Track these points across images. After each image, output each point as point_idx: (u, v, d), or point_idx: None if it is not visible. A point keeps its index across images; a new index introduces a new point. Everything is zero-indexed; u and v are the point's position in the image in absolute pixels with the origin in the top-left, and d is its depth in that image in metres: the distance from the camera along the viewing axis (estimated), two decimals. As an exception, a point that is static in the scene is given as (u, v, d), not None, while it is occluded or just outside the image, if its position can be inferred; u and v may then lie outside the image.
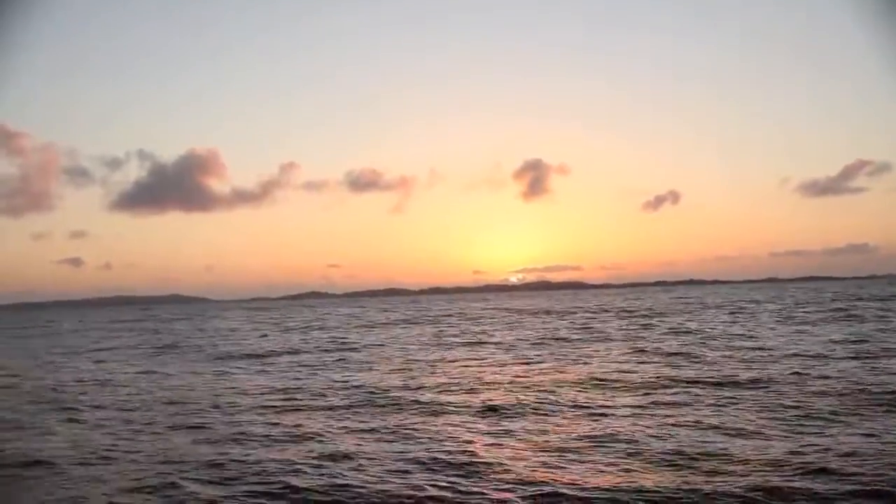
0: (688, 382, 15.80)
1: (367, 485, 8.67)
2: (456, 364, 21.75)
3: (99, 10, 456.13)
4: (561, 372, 18.68)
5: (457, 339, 31.95)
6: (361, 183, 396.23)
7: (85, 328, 62.64)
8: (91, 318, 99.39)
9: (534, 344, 27.93)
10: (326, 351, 28.50)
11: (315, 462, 9.93)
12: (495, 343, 29.20)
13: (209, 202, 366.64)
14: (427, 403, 14.46)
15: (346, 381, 18.42)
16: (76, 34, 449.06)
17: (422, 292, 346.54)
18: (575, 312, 55.50)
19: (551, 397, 14.59)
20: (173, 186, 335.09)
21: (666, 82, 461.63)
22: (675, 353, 21.78)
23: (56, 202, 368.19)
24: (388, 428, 12.16)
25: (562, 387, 16.01)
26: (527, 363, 21.21)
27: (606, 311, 56.80)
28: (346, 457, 10.12)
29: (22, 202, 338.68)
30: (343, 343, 32.15)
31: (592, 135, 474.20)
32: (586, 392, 15.18)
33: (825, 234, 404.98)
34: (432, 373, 19.69)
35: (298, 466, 9.69)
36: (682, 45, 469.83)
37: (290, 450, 10.77)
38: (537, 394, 15.11)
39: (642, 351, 23.00)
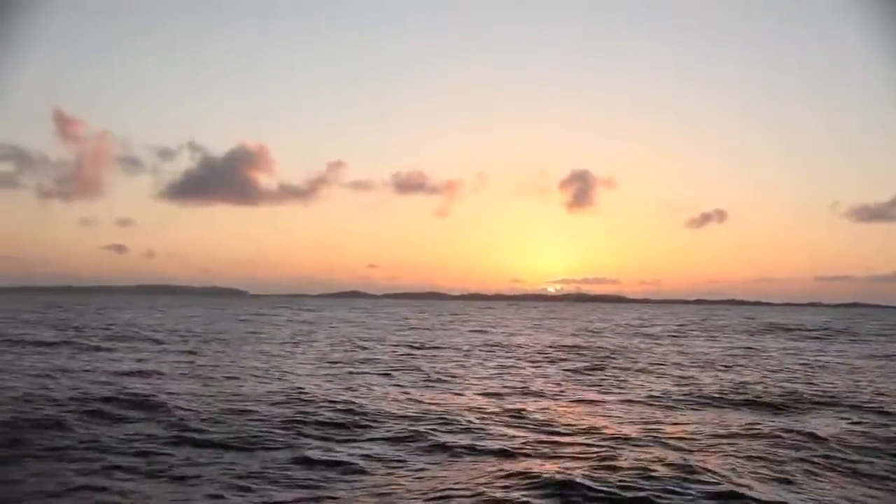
0: None
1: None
2: None
3: (164, 8, 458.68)
4: None
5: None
6: (408, 185, 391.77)
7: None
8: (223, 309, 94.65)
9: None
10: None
11: None
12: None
13: (256, 196, 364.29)
14: None
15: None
16: (140, 30, 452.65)
17: (460, 298, 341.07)
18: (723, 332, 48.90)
19: None
20: (221, 179, 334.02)
21: (721, 102, 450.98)
22: None
23: (107, 189, 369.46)
24: None
25: None
26: None
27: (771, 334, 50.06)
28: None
29: (74, 187, 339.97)
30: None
31: (643, 149, 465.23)
32: None
33: (871, 260, 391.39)
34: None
35: None
36: (739, 66, 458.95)
37: None
38: None
39: None
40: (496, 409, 13.77)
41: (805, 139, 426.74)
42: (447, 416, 12.81)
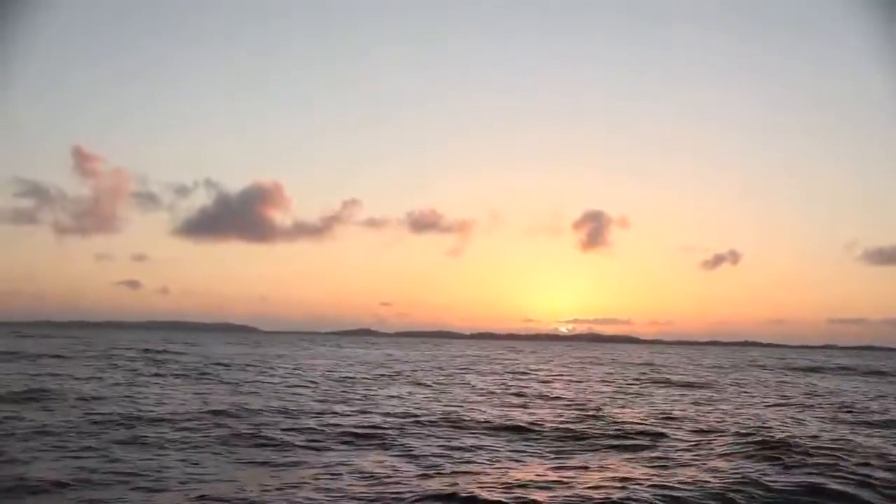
0: None
1: None
2: None
3: (183, 46, 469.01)
4: None
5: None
6: (422, 223, 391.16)
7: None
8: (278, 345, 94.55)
9: None
10: None
11: None
12: None
13: (270, 234, 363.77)
14: None
15: None
16: (159, 67, 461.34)
17: (472, 337, 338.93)
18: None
19: None
20: (236, 216, 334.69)
21: (734, 142, 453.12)
22: None
23: (122, 225, 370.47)
24: None
25: None
26: None
27: None
28: None
29: (90, 223, 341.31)
30: None
31: (657, 190, 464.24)
32: None
33: (887, 304, 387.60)
34: None
35: None
36: (753, 106, 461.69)
37: None
38: None
39: None
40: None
41: (820, 180, 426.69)
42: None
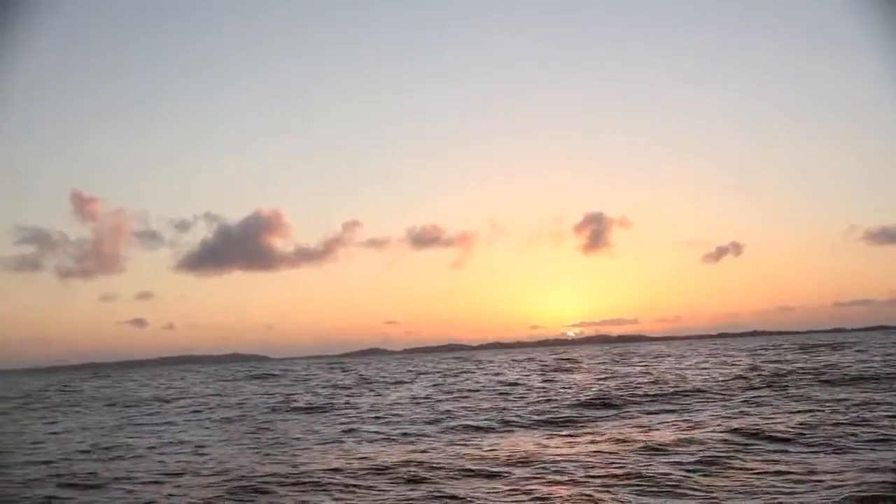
0: None
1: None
2: None
3: (169, 80, 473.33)
4: None
5: None
6: (423, 239, 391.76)
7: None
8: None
9: None
10: None
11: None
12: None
13: (272, 261, 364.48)
14: None
15: None
16: (145, 104, 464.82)
17: (480, 348, 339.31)
18: None
19: None
20: (238, 246, 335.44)
21: (727, 132, 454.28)
22: None
23: (125, 264, 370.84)
24: None
25: None
26: None
27: None
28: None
29: (93, 265, 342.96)
30: None
31: (655, 187, 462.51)
32: None
33: (892, 283, 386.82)
34: None
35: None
36: (742, 92, 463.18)
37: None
38: None
39: None
40: None
41: (817, 164, 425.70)
42: None
